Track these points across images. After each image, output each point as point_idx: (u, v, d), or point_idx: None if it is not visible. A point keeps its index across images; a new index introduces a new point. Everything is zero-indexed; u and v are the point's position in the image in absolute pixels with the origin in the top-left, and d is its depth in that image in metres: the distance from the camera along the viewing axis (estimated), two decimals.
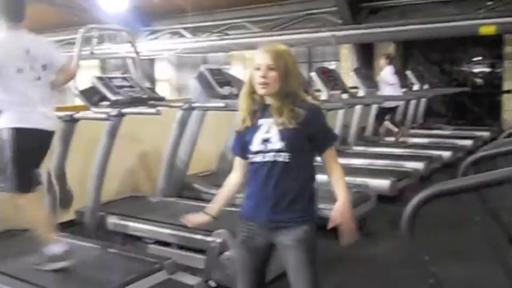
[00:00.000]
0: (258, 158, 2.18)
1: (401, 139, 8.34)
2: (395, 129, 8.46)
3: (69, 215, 4.32)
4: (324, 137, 2.23)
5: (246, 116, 2.20)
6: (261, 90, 2.16)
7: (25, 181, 3.06)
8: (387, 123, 8.49)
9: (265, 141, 2.16)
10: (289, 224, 2.18)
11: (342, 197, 2.27)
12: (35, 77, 3.12)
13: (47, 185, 3.15)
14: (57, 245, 3.10)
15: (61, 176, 3.16)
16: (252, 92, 2.20)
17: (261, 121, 2.19)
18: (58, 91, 3.54)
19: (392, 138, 8.49)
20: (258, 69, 2.15)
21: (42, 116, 3.11)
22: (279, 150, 2.14)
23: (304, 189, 2.25)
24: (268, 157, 2.15)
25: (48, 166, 3.31)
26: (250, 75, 2.20)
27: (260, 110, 2.20)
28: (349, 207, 2.24)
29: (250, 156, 2.22)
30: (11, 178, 3.03)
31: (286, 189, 2.17)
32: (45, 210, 3.38)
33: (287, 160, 2.14)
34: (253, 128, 2.19)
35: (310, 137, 2.14)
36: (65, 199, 3.18)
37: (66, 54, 3.51)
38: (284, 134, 2.12)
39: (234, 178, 2.37)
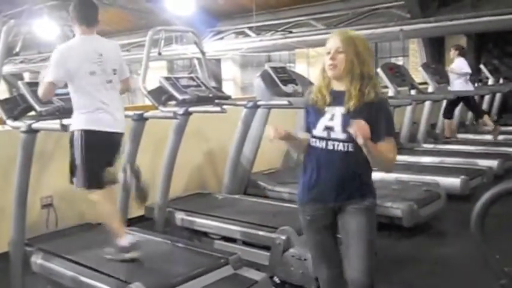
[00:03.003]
0: (320, 144, 2.24)
1: (449, 134, 8.03)
2: (488, 122, 8.08)
3: (139, 211, 4.50)
4: (383, 128, 2.18)
5: (317, 95, 2.27)
6: (329, 72, 2.22)
7: (93, 179, 3.21)
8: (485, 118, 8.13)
9: (329, 128, 2.21)
10: (352, 201, 2.25)
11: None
12: (107, 80, 3.24)
13: (123, 182, 3.29)
14: (126, 237, 3.25)
15: (135, 172, 3.29)
16: (324, 76, 2.27)
17: (328, 108, 2.24)
18: (128, 92, 3.68)
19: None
20: (329, 53, 2.21)
21: (111, 119, 3.24)
22: (341, 141, 2.18)
23: (365, 173, 2.28)
24: (331, 145, 2.21)
25: (123, 164, 3.45)
26: (324, 60, 2.27)
27: (330, 96, 2.25)
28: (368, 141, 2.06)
29: (312, 139, 2.27)
30: (80, 176, 3.21)
31: (347, 174, 2.23)
32: (116, 206, 3.52)
33: (349, 149, 2.18)
34: (320, 113, 2.25)
35: (371, 124, 2.07)
36: (140, 194, 3.31)
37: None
38: (347, 122, 2.11)
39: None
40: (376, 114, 2.16)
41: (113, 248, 3.25)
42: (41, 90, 3.19)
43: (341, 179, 2.23)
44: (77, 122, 3.19)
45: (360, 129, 2.00)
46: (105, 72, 3.23)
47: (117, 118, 3.29)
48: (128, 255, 3.20)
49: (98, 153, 3.20)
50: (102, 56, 3.23)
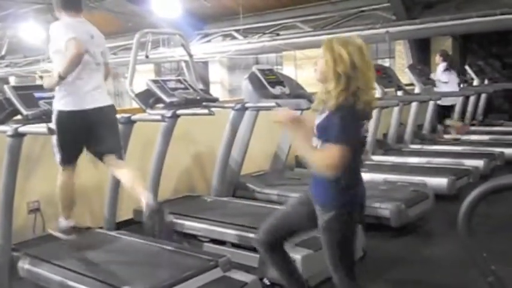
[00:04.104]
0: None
1: (453, 136, 8.11)
2: (458, 124, 8.18)
3: (128, 214, 4.47)
4: (331, 133, 2.16)
5: (317, 102, 2.36)
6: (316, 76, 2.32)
7: (67, 156, 3.28)
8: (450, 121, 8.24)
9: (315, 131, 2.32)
10: (319, 210, 2.33)
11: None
12: (96, 62, 3.28)
13: (146, 219, 3.31)
14: (68, 221, 3.41)
15: (160, 213, 3.32)
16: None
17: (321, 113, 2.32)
18: (115, 95, 3.69)
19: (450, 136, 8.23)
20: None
21: (87, 95, 3.23)
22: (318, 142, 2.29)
23: (328, 180, 2.25)
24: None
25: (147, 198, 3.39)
26: None
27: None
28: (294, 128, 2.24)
29: None
30: (56, 153, 3.28)
31: (318, 179, 2.30)
32: (74, 192, 3.51)
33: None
34: (318, 118, 2.33)
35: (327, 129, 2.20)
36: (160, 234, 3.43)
37: None
38: (317, 127, 2.28)
39: None
40: (332, 121, 2.18)
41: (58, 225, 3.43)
42: (51, 81, 3.15)
43: (315, 184, 2.36)
44: (56, 103, 3.21)
45: (282, 116, 2.20)
46: (95, 54, 3.26)
47: (97, 94, 3.28)
48: (65, 237, 3.42)
49: (70, 133, 3.22)
50: (93, 39, 3.27)
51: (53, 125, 3.17)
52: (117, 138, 3.46)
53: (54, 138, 3.24)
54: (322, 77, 2.27)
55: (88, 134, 3.29)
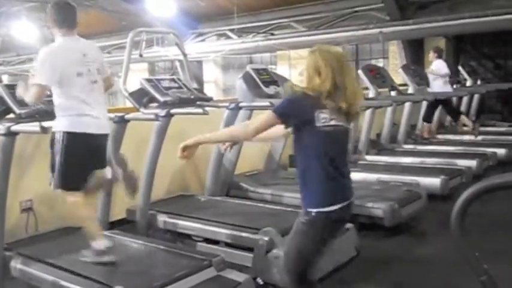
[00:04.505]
0: None
1: (428, 135, 8.17)
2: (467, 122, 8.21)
3: (121, 214, 4.46)
4: None
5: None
6: None
7: (70, 181, 3.19)
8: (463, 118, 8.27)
9: None
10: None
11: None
12: (92, 81, 3.23)
13: (111, 174, 3.26)
14: (103, 241, 3.23)
15: (120, 161, 3.27)
16: None
17: None
18: (111, 88, 3.65)
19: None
20: None
21: (96, 120, 3.21)
22: None
23: (301, 179, 2.36)
24: None
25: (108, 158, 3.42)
26: None
27: None
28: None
29: None
30: (56, 177, 3.19)
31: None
32: (95, 209, 3.49)
33: None
34: None
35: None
36: (129, 183, 3.30)
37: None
38: None
39: None
40: None
41: (89, 251, 3.23)
42: (30, 95, 3.09)
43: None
44: (60, 124, 3.16)
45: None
46: (90, 73, 3.22)
47: (102, 120, 3.27)
48: (104, 259, 3.19)
49: (78, 156, 3.17)
50: (86, 56, 3.23)
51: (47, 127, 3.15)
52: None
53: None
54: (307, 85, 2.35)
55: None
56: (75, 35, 3.27)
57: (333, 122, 2.26)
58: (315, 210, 2.27)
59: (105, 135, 3.34)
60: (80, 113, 3.15)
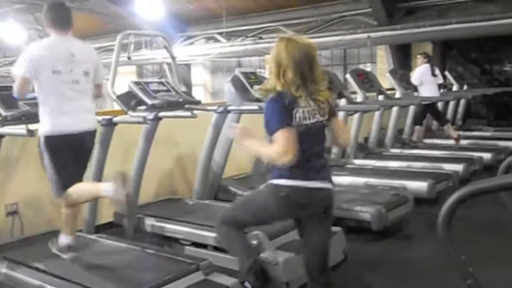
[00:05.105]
0: None
1: (417, 139, 8.24)
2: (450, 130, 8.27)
3: (108, 217, 4.43)
4: (267, 123, 2.38)
5: (262, 93, 2.57)
6: None
7: (69, 183, 3.18)
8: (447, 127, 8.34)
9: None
10: None
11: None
12: (72, 80, 3.22)
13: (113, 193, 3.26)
14: (69, 239, 3.32)
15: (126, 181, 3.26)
16: None
17: None
18: (99, 98, 3.65)
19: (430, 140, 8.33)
20: None
21: (73, 120, 3.20)
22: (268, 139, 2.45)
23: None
24: None
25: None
26: None
27: None
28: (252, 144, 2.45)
29: None
30: (54, 186, 3.21)
31: None
32: (80, 212, 3.48)
33: None
34: None
35: None
36: (131, 212, 3.38)
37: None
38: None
39: None
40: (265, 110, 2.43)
41: (57, 242, 3.35)
42: (15, 87, 3.13)
43: None
44: (41, 127, 3.16)
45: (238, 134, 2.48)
46: (72, 73, 3.21)
47: (81, 118, 3.25)
48: (64, 255, 3.31)
49: (65, 158, 3.17)
50: (73, 57, 3.23)
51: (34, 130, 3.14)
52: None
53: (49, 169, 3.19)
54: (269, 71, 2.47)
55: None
56: (68, 35, 3.30)
57: (306, 121, 2.36)
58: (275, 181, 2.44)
59: (87, 133, 3.30)
60: (56, 110, 3.15)
